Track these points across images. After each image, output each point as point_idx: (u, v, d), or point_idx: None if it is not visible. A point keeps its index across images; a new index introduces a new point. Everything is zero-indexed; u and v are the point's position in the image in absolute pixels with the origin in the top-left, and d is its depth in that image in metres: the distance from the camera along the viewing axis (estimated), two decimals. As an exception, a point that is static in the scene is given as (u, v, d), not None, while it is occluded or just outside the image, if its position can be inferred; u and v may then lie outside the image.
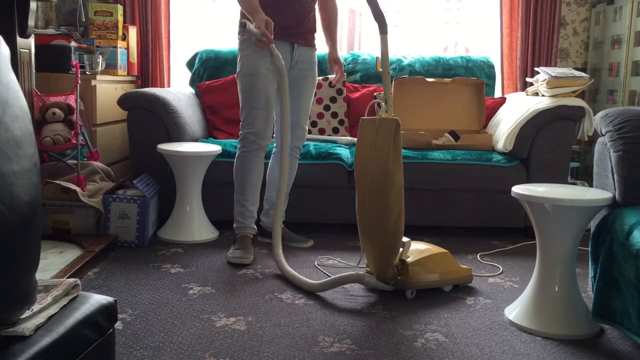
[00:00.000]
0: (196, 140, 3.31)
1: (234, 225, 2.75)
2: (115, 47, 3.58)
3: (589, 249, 2.03)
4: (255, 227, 2.78)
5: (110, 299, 1.24)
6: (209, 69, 3.77)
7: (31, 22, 2.78)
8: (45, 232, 2.77)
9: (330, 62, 2.89)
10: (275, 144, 2.88)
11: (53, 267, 2.34)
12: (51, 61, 3.24)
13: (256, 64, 2.61)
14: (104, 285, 2.34)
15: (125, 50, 3.70)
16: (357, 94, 3.73)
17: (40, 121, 2.93)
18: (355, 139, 2.84)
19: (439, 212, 3.17)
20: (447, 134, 3.36)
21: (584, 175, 3.93)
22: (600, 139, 2.17)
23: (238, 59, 2.70)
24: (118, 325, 1.95)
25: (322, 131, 3.60)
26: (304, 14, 2.70)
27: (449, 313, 2.16)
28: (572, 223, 1.98)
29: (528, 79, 3.64)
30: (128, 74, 3.75)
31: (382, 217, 2.17)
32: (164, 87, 3.96)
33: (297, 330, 1.97)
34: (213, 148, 2.99)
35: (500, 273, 2.63)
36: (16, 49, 2.70)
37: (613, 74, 3.64)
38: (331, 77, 2.91)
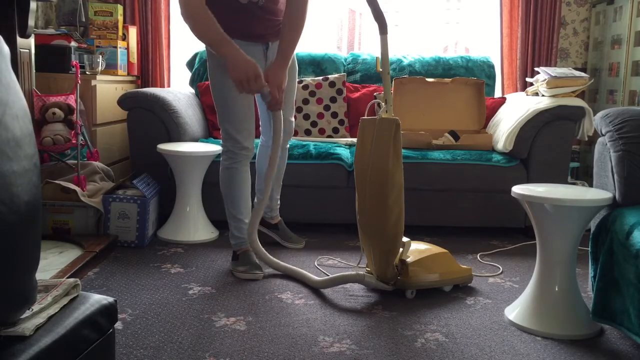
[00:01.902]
0: (196, 140, 3.31)
1: (232, 241, 2.59)
2: (115, 47, 3.58)
3: (589, 249, 2.03)
4: None
5: (110, 299, 1.24)
6: (209, 69, 3.76)
7: (31, 22, 2.78)
8: (45, 232, 2.77)
9: (265, 75, 2.33)
10: (262, 138, 2.80)
11: (53, 267, 2.34)
12: (51, 61, 3.24)
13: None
14: (104, 285, 2.34)
15: (125, 50, 3.70)
16: (357, 94, 3.73)
17: (40, 121, 2.93)
18: (355, 139, 2.83)
19: (439, 212, 3.17)
20: (447, 134, 3.36)
21: (584, 175, 3.93)
22: (600, 139, 2.17)
23: (208, 65, 2.49)
24: (118, 325, 1.95)
25: (322, 131, 3.60)
26: (277, 21, 2.52)
27: (449, 313, 2.16)
28: (572, 223, 1.98)
29: (528, 79, 3.64)
30: (128, 74, 3.75)
31: (382, 217, 2.17)
32: (164, 87, 3.96)
33: (297, 330, 1.97)
34: (213, 148, 2.99)
35: (500, 273, 2.63)
36: (16, 49, 2.70)
37: (613, 74, 3.64)
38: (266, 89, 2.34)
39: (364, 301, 2.25)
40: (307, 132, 3.59)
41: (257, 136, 2.82)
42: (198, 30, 2.27)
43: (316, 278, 2.37)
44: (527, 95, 3.43)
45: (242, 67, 2.24)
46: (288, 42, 2.43)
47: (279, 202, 2.91)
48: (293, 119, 2.78)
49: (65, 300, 1.17)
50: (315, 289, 2.35)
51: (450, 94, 3.53)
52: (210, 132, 3.62)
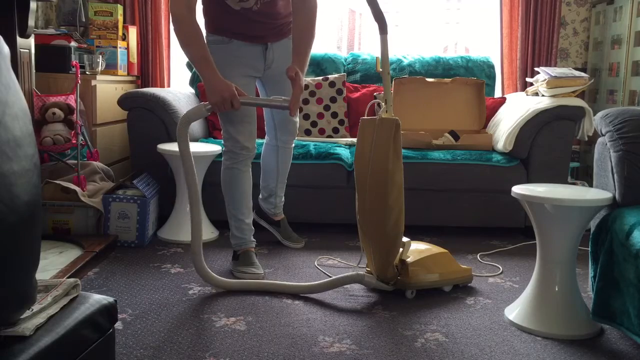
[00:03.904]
0: (196, 140, 3.31)
1: (233, 241, 2.58)
2: (115, 47, 3.58)
3: (589, 249, 2.03)
4: (254, 239, 2.62)
5: (110, 299, 1.24)
6: (209, 69, 3.76)
7: (31, 22, 2.78)
8: (45, 232, 2.77)
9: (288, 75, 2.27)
10: (267, 137, 2.81)
11: (53, 267, 2.34)
12: (51, 61, 3.24)
13: (228, 76, 2.32)
14: (104, 285, 2.34)
15: (125, 50, 3.70)
16: (357, 94, 3.73)
17: (40, 121, 2.93)
18: (355, 139, 2.83)
19: (439, 212, 3.17)
20: (447, 134, 3.36)
21: (584, 175, 3.93)
22: (600, 139, 2.17)
23: None
24: (118, 325, 1.95)
25: (322, 131, 3.60)
26: (276, 23, 2.50)
27: (449, 313, 2.16)
28: (572, 223, 1.98)
29: (528, 79, 3.64)
30: (128, 74, 3.75)
31: (382, 217, 2.17)
32: (164, 87, 3.96)
33: (297, 330, 1.97)
34: (213, 148, 2.99)
35: (500, 273, 2.63)
36: (16, 49, 2.70)
37: (613, 74, 3.64)
38: (282, 97, 2.33)
39: (364, 301, 2.25)
40: (307, 132, 3.59)
41: (262, 136, 2.84)
42: (181, 44, 2.30)
43: (313, 283, 2.31)
44: (527, 95, 3.43)
45: (217, 89, 2.23)
46: (303, 46, 2.40)
47: (283, 199, 2.92)
48: (297, 120, 2.78)
49: (65, 300, 1.17)
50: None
51: (450, 94, 3.53)
52: (210, 132, 3.62)
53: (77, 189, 2.82)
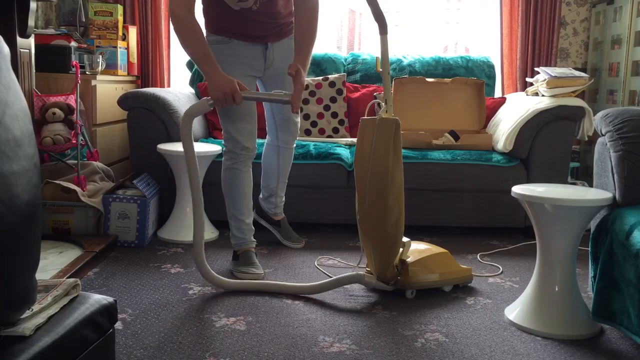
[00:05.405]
0: (196, 140, 3.31)
1: (233, 241, 2.58)
2: (115, 47, 3.58)
3: (589, 249, 2.03)
4: (255, 239, 2.62)
5: (110, 299, 1.24)
6: (209, 69, 3.76)
7: (31, 22, 2.78)
8: (45, 232, 2.77)
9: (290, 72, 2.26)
10: (268, 137, 2.81)
11: (53, 267, 2.34)
12: (51, 61, 3.24)
13: (229, 75, 2.30)
14: (104, 285, 2.34)
15: (125, 50, 3.70)
16: (357, 94, 3.73)
17: (40, 121, 2.93)
18: (355, 139, 2.83)
19: (439, 212, 3.17)
20: (447, 134, 3.36)
21: (584, 175, 3.94)
22: (600, 139, 2.17)
23: None
24: (118, 325, 1.95)
25: (322, 131, 3.60)
26: (276, 23, 2.50)
27: (449, 313, 2.16)
28: (572, 223, 1.98)
29: (528, 79, 3.64)
30: (128, 74, 3.75)
31: (382, 217, 2.17)
32: (164, 87, 3.96)
33: (297, 330, 1.97)
34: (213, 148, 2.99)
35: (500, 273, 2.63)
36: (16, 49, 2.70)
37: (613, 74, 3.64)
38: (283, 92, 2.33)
39: (364, 301, 2.25)
40: (307, 132, 3.59)
41: (263, 136, 2.84)
42: (182, 43, 2.30)
43: (312, 284, 2.30)
44: (527, 95, 3.43)
45: (219, 84, 2.23)
46: (305, 44, 2.40)
47: (283, 199, 2.92)
48: (298, 120, 2.78)
49: (65, 300, 1.17)
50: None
51: (450, 94, 3.53)
52: (210, 132, 3.62)
53: (77, 189, 2.82)
